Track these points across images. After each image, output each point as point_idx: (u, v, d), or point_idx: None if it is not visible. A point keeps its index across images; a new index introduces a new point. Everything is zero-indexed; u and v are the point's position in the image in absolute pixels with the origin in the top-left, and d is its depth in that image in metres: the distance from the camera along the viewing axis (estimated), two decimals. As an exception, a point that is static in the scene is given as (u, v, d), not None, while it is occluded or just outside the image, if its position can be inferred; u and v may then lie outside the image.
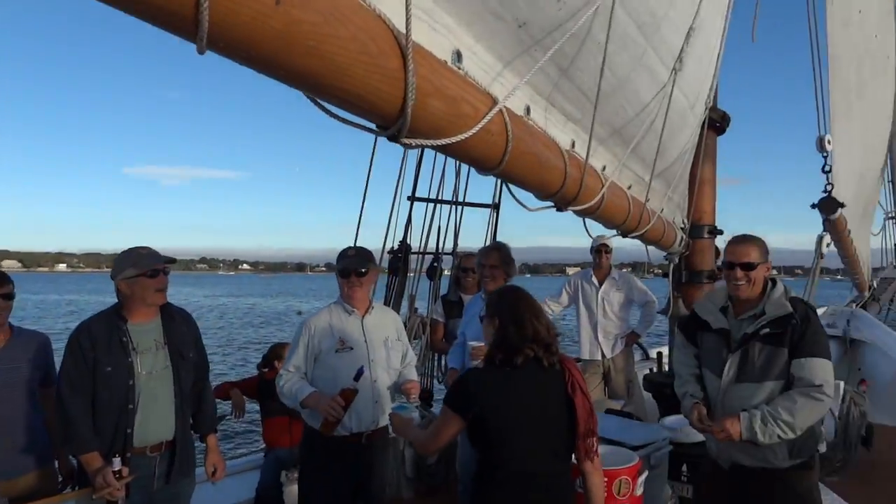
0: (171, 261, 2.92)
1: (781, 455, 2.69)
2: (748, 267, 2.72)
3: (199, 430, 3.09)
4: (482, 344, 3.57)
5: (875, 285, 9.59)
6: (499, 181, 5.49)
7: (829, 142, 4.57)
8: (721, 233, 4.65)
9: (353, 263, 3.12)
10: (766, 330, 2.70)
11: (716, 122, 4.35)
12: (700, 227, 4.54)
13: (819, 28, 4.46)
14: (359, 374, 2.81)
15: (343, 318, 3.15)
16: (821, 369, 2.66)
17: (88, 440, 2.65)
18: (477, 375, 2.29)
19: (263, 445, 4.38)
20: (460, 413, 2.21)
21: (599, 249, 5.34)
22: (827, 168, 4.70)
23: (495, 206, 5.54)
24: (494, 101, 1.41)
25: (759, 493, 2.77)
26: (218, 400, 4.39)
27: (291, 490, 3.95)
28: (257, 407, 4.47)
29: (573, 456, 2.39)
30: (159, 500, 2.85)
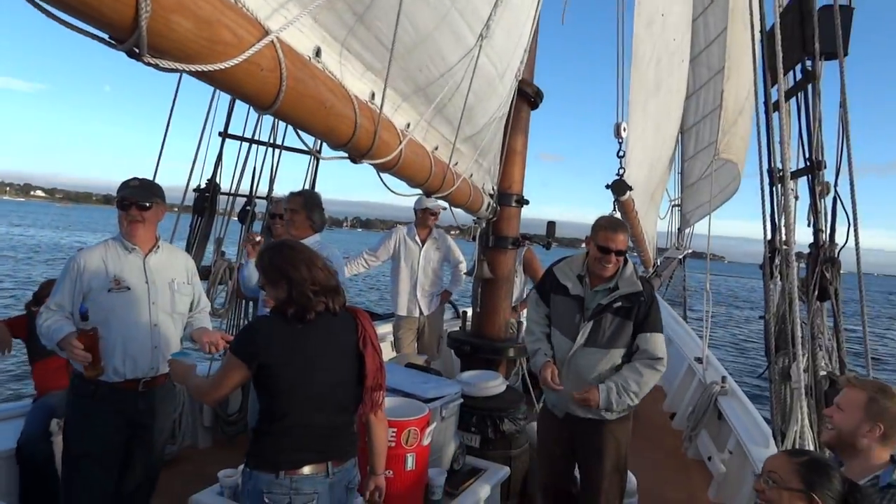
0: None
1: (615, 413, 3.19)
2: (620, 253, 3.14)
3: None
4: None
5: (659, 263, 10.93)
6: (309, 149, 5.35)
7: (624, 129, 5.03)
8: (527, 202, 4.95)
9: (133, 194, 2.85)
10: (619, 304, 3.14)
11: (529, 97, 4.59)
12: (508, 196, 4.79)
13: (626, 24, 4.86)
14: (83, 314, 2.62)
15: (121, 255, 2.89)
16: (661, 343, 3.19)
17: None
18: (266, 325, 2.23)
19: (34, 394, 3.95)
20: (246, 361, 2.16)
21: (426, 211, 5.52)
22: (621, 153, 5.18)
23: (315, 154, 5.39)
24: (266, 33, 1.33)
25: (587, 436, 3.29)
26: None
27: (61, 440, 3.63)
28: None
29: (358, 408, 2.45)
30: None
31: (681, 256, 11.69)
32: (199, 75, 1.22)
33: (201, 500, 2.86)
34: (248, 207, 5.11)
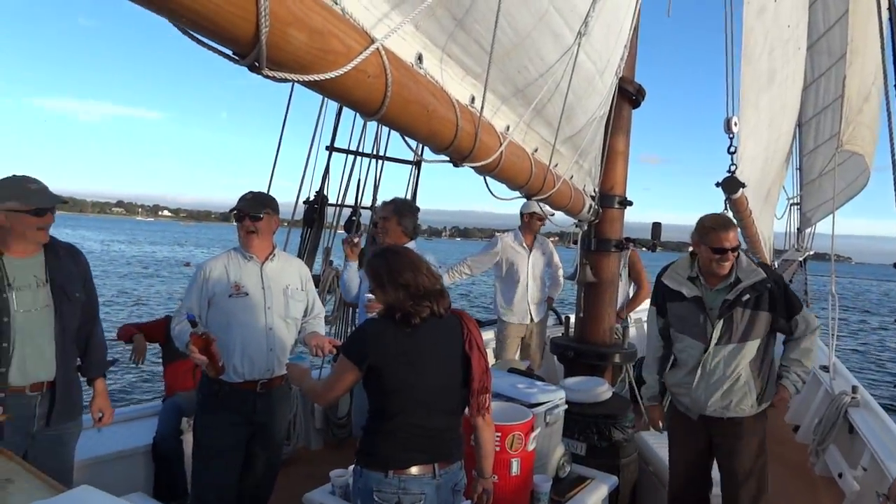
0: (63, 202, 2.77)
1: (751, 405, 3.19)
2: (734, 249, 3.13)
3: (87, 374, 2.98)
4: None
5: (777, 266, 10.22)
6: (413, 151, 5.48)
7: (735, 123, 4.77)
8: (631, 204, 4.81)
9: (246, 206, 3.04)
10: (747, 296, 3.12)
11: (630, 94, 4.46)
12: (611, 197, 4.68)
13: (735, 13, 4.61)
14: (191, 320, 2.79)
15: (241, 263, 3.10)
16: (812, 317, 3.23)
17: None
18: (375, 327, 2.29)
19: (165, 394, 4.30)
20: (356, 362, 2.23)
21: (532, 216, 5.49)
22: (732, 149, 4.91)
23: (416, 163, 5.54)
24: (372, 41, 1.38)
25: (727, 436, 3.27)
26: (127, 344, 4.28)
27: (190, 438, 3.91)
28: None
29: (465, 411, 2.47)
30: (41, 441, 2.76)
31: (801, 259, 10.87)
32: (312, 84, 1.29)
33: (314, 499, 2.98)
34: (353, 218, 5.31)
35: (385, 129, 5.24)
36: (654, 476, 3.94)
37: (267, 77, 1.19)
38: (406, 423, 2.26)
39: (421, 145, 2.16)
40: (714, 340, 3.17)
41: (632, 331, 6.58)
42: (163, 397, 4.28)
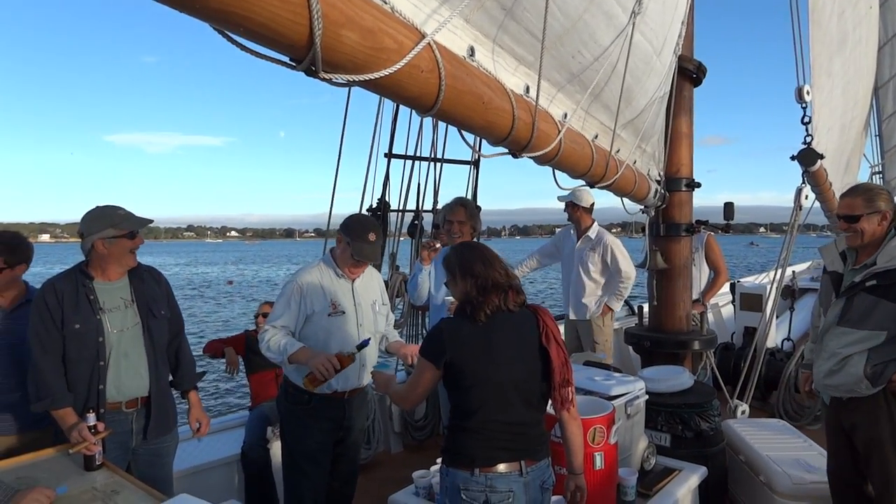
0: (149, 222, 2.92)
1: (865, 385, 2.89)
2: (851, 219, 2.92)
3: (180, 387, 3.13)
4: None
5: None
6: (478, 137, 5.47)
7: (808, 92, 4.52)
8: (699, 185, 4.64)
9: (370, 254, 3.06)
10: (873, 282, 2.87)
11: (690, 73, 4.31)
12: (677, 180, 4.53)
13: (798, -26, 4.39)
14: (363, 345, 2.87)
15: (334, 280, 3.16)
16: None
17: (61, 396, 2.69)
18: (450, 324, 2.31)
19: (250, 403, 4.46)
20: (434, 361, 2.25)
21: (565, 207, 5.23)
22: (806, 119, 4.66)
23: (475, 164, 5.53)
24: (422, 36, 1.39)
25: (857, 418, 3.01)
26: (212, 359, 4.48)
27: (277, 446, 4.04)
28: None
29: (548, 406, 2.44)
30: (141, 455, 2.91)
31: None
32: (367, 84, 1.30)
33: (398, 500, 3.02)
34: (416, 222, 5.36)
35: (441, 132, 5.28)
36: (747, 465, 3.77)
37: (323, 80, 1.21)
38: (488, 419, 2.25)
39: (478, 141, 2.16)
40: (831, 319, 3.00)
41: (710, 317, 6.34)
42: (248, 407, 4.43)
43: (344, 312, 3.11)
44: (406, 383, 2.47)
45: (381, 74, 1.27)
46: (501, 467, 2.23)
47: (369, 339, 2.92)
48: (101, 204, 2.91)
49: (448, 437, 2.36)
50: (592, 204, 5.25)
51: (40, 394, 2.70)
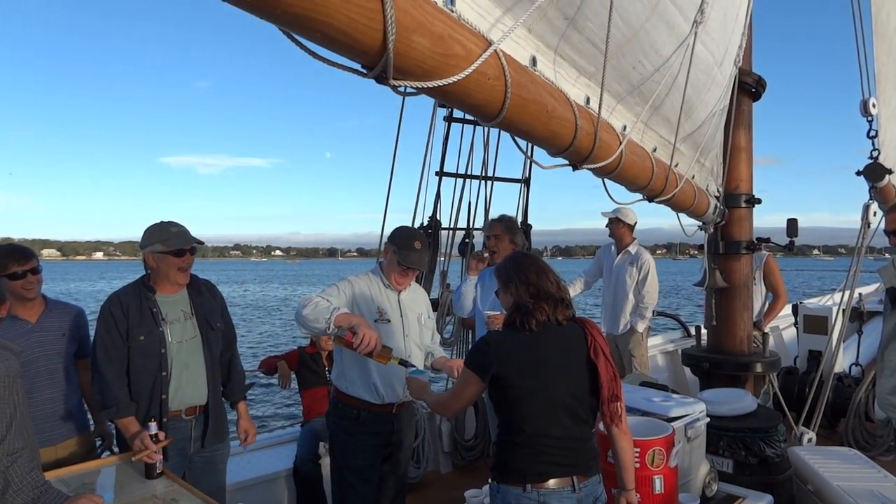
0: (200, 243, 2.99)
1: None
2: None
3: (230, 398, 3.19)
4: (497, 313, 3.59)
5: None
6: (528, 155, 5.46)
7: (873, 105, 4.36)
8: (759, 201, 4.50)
9: (417, 262, 3.09)
10: None
11: (750, 87, 4.21)
12: (736, 196, 4.41)
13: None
14: (406, 364, 2.86)
15: (382, 290, 3.19)
16: None
17: (125, 406, 2.78)
18: (496, 337, 2.30)
19: (302, 419, 4.49)
20: (479, 374, 2.23)
21: (608, 223, 5.28)
22: (872, 133, 4.48)
23: (525, 181, 5.50)
24: (489, 44, 1.39)
25: None
26: (266, 375, 4.55)
27: (328, 461, 4.05)
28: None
29: (598, 422, 2.38)
30: (197, 462, 2.98)
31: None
32: (436, 91, 1.30)
33: (451, 519, 2.97)
34: (466, 240, 5.35)
35: (492, 151, 5.28)
36: (816, 496, 3.58)
37: (392, 87, 1.22)
38: (537, 434, 2.21)
39: (529, 158, 2.14)
40: (884, 331, 2.97)
41: (770, 340, 6.10)
42: (301, 423, 4.46)
43: (390, 321, 3.12)
44: (448, 393, 2.48)
45: (450, 81, 1.27)
46: (552, 483, 2.19)
47: (417, 368, 2.87)
48: (156, 222, 3.00)
49: (497, 454, 2.32)
50: (635, 222, 5.37)
51: (106, 402, 2.78)
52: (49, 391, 3.00)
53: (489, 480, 2.37)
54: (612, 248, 5.43)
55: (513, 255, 2.43)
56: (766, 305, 5.51)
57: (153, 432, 2.63)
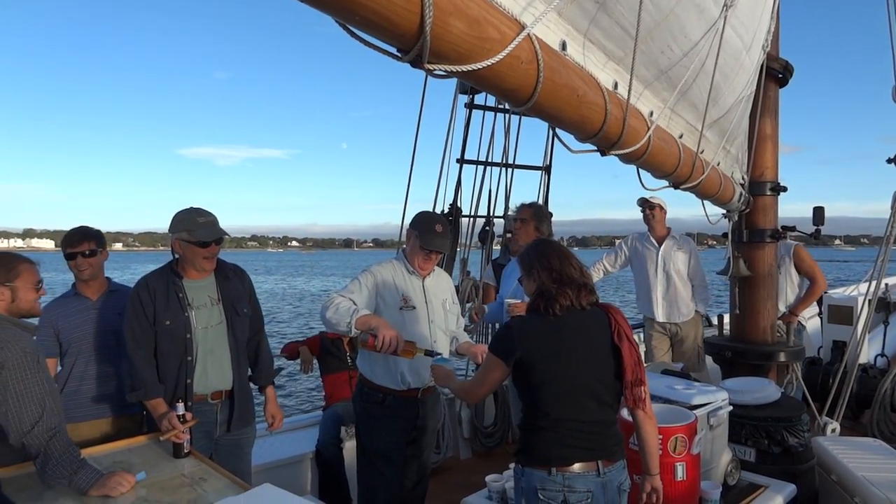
0: (225, 235, 3.02)
1: None
2: None
3: (258, 382, 3.23)
4: (518, 301, 3.60)
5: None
6: (549, 142, 5.44)
7: (906, 90, 4.27)
8: (785, 189, 4.44)
9: (439, 244, 3.10)
10: None
11: (777, 72, 4.14)
12: (761, 184, 4.35)
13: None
14: (432, 354, 2.87)
15: (406, 276, 3.20)
16: None
17: (153, 388, 2.83)
18: (520, 322, 2.32)
19: (324, 403, 4.54)
20: (503, 358, 2.25)
21: (643, 207, 5.14)
22: (904, 119, 4.39)
23: (546, 169, 5.49)
24: (522, 27, 1.38)
25: None
26: (288, 360, 4.61)
27: (350, 445, 4.10)
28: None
29: (622, 407, 2.39)
30: (223, 445, 3.03)
31: None
32: (469, 75, 1.31)
33: (472, 503, 2.99)
34: (487, 228, 5.36)
35: (512, 138, 5.26)
36: (839, 486, 3.55)
37: (427, 70, 1.22)
38: (562, 418, 2.22)
39: (561, 142, 2.14)
40: None
41: (808, 326, 6.04)
42: (322, 407, 4.52)
43: (414, 308, 3.13)
44: (473, 379, 2.50)
45: (484, 65, 1.27)
46: (577, 466, 2.20)
47: (442, 356, 2.89)
48: (185, 208, 3.04)
49: (522, 438, 2.34)
50: None
51: (135, 384, 2.84)
52: (102, 367, 3.12)
53: (512, 464, 2.39)
54: (648, 236, 5.27)
55: (536, 241, 2.45)
56: (803, 292, 5.40)
57: (180, 413, 2.68)
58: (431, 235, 3.08)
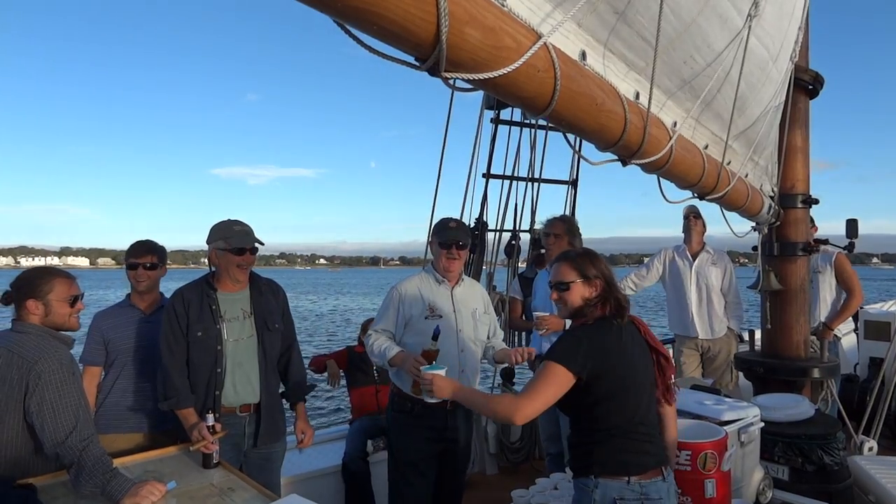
0: (261, 243, 3.08)
1: None
2: None
3: (289, 399, 3.23)
4: (547, 314, 3.57)
5: None
6: (575, 156, 5.42)
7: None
8: (816, 202, 4.36)
9: (455, 235, 3.16)
10: None
11: (807, 84, 4.09)
12: (792, 196, 4.28)
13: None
14: (436, 334, 2.83)
15: (433, 286, 3.22)
16: None
17: (185, 397, 2.88)
18: (588, 332, 2.26)
19: (351, 416, 4.56)
20: (575, 370, 2.13)
21: (688, 215, 5.07)
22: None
23: (573, 183, 5.48)
24: (539, 37, 1.41)
25: None
26: (315, 374, 4.65)
27: (376, 459, 4.10)
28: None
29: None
30: (252, 459, 3.05)
31: None
32: (486, 84, 1.33)
33: (500, 517, 2.97)
34: (513, 242, 5.35)
35: (539, 152, 5.27)
36: (878, 507, 3.44)
37: (444, 79, 1.25)
38: (634, 425, 2.23)
39: (577, 154, 2.14)
40: None
41: (844, 342, 5.86)
42: (349, 420, 4.54)
43: (441, 316, 3.14)
44: (524, 393, 2.15)
45: (500, 73, 1.29)
46: (650, 473, 2.21)
47: (438, 326, 2.83)
48: (222, 220, 3.11)
49: (586, 450, 2.26)
50: None
51: (167, 393, 2.89)
52: (146, 381, 3.16)
53: (537, 482, 2.37)
54: (685, 251, 5.17)
55: (585, 250, 2.47)
56: (839, 306, 5.25)
57: (210, 423, 2.72)
58: (446, 231, 3.17)
